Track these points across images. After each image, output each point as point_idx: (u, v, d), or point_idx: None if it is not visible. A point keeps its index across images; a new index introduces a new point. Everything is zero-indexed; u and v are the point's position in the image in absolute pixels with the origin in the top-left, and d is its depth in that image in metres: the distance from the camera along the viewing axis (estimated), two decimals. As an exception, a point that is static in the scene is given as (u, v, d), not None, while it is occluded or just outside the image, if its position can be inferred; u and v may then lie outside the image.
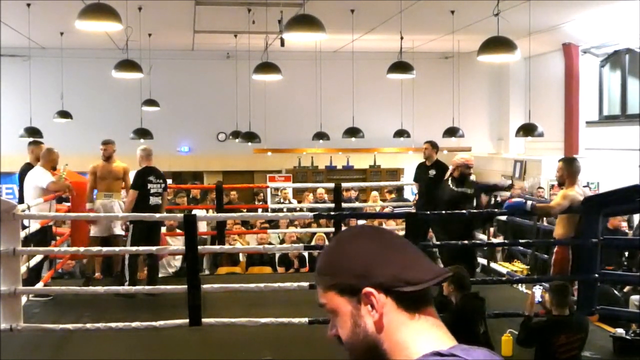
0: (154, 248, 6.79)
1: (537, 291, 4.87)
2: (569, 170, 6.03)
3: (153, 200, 7.48)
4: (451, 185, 7.54)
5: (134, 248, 6.44)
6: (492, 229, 9.45)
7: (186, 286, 5.55)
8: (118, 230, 7.73)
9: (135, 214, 7.14)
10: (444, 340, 1.19)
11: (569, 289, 4.79)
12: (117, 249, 7.11)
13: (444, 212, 7.58)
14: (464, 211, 7.15)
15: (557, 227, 6.27)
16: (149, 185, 7.47)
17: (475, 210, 7.21)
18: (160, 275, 8.46)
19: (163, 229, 8.91)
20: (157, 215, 6.68)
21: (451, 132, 13.88)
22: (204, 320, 5.54)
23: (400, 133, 14.56)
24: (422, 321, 1.20)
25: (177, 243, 8.47)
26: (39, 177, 7.21)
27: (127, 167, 8.05)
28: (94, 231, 7.66)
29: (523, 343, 4.74)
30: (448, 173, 7.92)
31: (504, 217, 8.66)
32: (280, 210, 11.66)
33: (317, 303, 1.26)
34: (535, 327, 4.67)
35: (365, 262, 1.20)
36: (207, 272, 9.21)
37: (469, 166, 7.70)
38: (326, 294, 1.24)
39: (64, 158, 7.88)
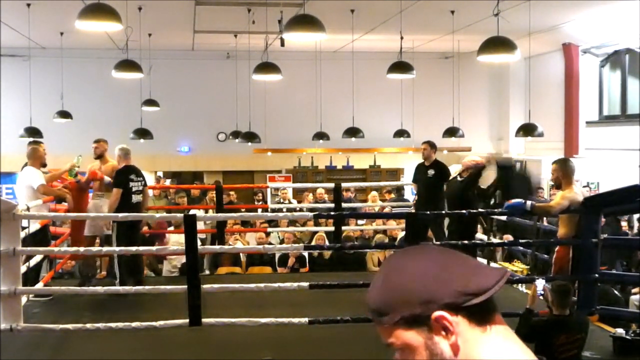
0: (154, 248, 6.81)
1: (539, 284, 4.86)
2: (563, 170, 6.03)
3: (135, 198, 7.52)
4: (460, 184, 7.51)
5: (134, 248, 6.44)
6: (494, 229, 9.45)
7: (186, 286, 5.55)
8: (109, 230, 7.73)
9: (134, 214, 7.14)
10: (520, 353, 1.15)
11: (570, 289, 4.79)
12: (117, 249, 7.11)
13: (443, 212, 7.58)
14: (463, 211, 7.14)
15: (559, 227, 6.28)
16: (131, 184, 7.50)
17: (475, 211, 7.20)
18: (163, 275, 8.50)
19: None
20: (157, 215, 6.71)
21: (451, 132, 13.89)
22: (204, 320, 5.54)
23: (400, 133, 14.57)
24: (494, 333, 1.14)
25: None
26: (29, 178, 7.21)
27: (115, 165, 7.97)
28: (86, 230, 7.68)
29: (523, 338, 4.74)
30: (456, 172, 7.89)
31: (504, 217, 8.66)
32: (280, 210, 11.66)
33: (384, 344, 1.16)
34: (536, 326, 4.67)
35: (427, 287, 1.11)
36: (207, 272, 9.22)
37: (479, 168, 7.69)
38: (392, 332, 1.14)
39: (65, 158, 7.88)
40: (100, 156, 7.92)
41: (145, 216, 7.73)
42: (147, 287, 6.81)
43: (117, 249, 7.08)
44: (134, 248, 6.45)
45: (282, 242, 10.35)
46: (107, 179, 7.64)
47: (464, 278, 1.12)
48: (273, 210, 11.55)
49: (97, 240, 8.11)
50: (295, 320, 5.64)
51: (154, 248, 6.86)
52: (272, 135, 15.59)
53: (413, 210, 8.88)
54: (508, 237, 9.78)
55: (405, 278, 1.14)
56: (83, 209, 7.66)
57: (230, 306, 6.20)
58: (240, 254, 9.55)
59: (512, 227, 9.83)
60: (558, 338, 4.52)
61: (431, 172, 8.28)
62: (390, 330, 1.14)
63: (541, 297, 4.90)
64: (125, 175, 7.51)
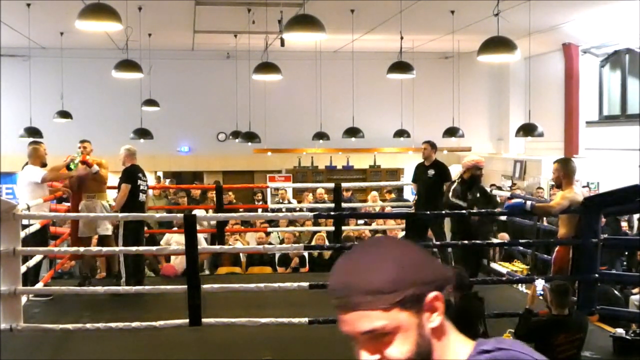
0: (154, 248, 6.81)
1: (539, 284, 4.87)
2: (564, 170, 6.02)
3: (142, 196, 7.65)
4: (451, 196, 7.50)
5: (134, 248, 6.44)
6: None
7: (186, 286, 5.55)
8: (103, 230, 7.73)
9: (135, 214, 7.15)
10: (463, 338, 1.22)
11: (569, 289, 4.79)
12: (116, 249, 7.11)
13: (443, 212, 7.58)
14: (463, 211, 7.15)
15: (559, 227, 6.28)
16: (139, 182, 7.61)
17: (475, 211, 7.20)
18: None
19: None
20: (157, 215, 6.72)
21: (451, 132, 13.89)
22: (204, 320, 5.54)
23: (400, 133, 14.56)
24: (445, 320, 1.21)
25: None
26: (30, 175, 7.23)
27: (100, 161, 7.96)
28: (80, 232, 7.69)
29: (522, 338, 4.74)
30: (457, 175, 7.88)
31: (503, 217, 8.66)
32: (280, 210, 11.66)
33: (360, 331, 1.16)
34: (535, 326, 4.68)
35: (427, 268, 1.17)
36: (207, 272, 9.22)
37: (480, 167, 7.68)
38: (387, 313, 1.14)
39: (64, 158, 7.86)
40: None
41: (146, 216, 7.74)
42: (147, 287, 6.81)
43: (117, 249, 7.08)
44: (134, 248, 6.45)
45: (282, 242, 10.34)
46: (96, 167, 7.66)
47: (441, 264, 1.21)
48: (273, 210, 11.55)
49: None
50: (295, 320, 5.64)
51: (154, 248, 6.86)
52: (272, 135, 15.59)
53: (413, 210, 8.89)
54: (504, 236, 9.74)
55: (405, 259, 1.16)
56: (77, 210, 7.68)
57: (230, 306, 6.19)
58: (240, 254, 9.55)
59: (512, 227, 9.84)
60: (557, 338, 4.52)
61: (431, 172, 8.28)
62: (387, 311, 1.14)
63: (541, 297, 4.90)
64: (133, 174, 7.61)
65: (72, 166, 7.61)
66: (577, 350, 4.65)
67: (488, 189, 8.87)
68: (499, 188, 12.56)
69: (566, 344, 4.55)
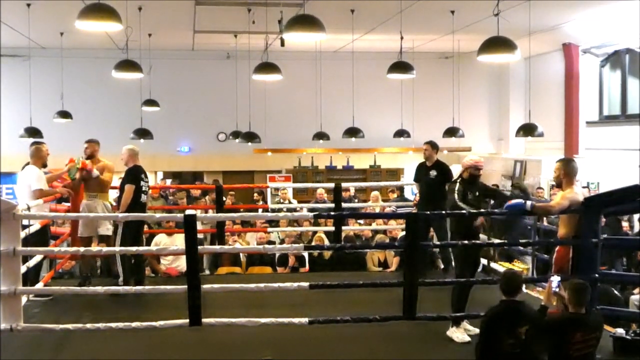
0: (154, 248, 6.81)
1: (555, 281, 4.86)
2: (565, 170, 6.02)
3: (143, 197, 7.63)
4: (457, 198, 7.48)
5: (134, 248, 6.44)
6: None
7: (186, 286, 5.55)
8: (103, 230, 7.72)
9: (135, 214, 7.15)
10: None
11: (588, 287, 4.79)
12: (116, 249, 7.11)
13: (444, 212, 7.57)
14: (463, 211, 7.14)
15: (559, 227, 6.28)
16: (142, 183, 7.59)
17: (475, 211, 7.19)
18: None
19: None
20: (157, 215, 6.71)
21: (451, 132, 13.90)
22: (204, 320, 5.53)
23: (400, 133, 14.58)
24: None
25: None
26: (29, 177, 7.21)
27: (106, 164, 7.93)
28: (80, 232, 7.67)
29: (537, 334, 4.74)
30: (457, 174, 7.87)
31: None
32: (280, 210, 11.65)
33: None
34: (551, 322, 4.67)
35: None
36: (207, 272, 9.22)
37: (479, 168, 7.66)
38: None
39: (64, 158, 7.86)
40: (90, 156, 7.93)
41: (146, 216, 7.74)
42: (147, 287, 6.80)
43: (118, 249, 7.07)
44: (134, 248, 6.45)
45: (282, 241, 10.34)
46: (96, 172, 7.66)
47: None
48: (273, 210, 11.54)
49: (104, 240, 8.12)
50: (295, 320, 5.64)
51: (154, 248, 6.86)
52: (272, 135, 15.60)
53: (414, 210, 8.87)
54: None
55: None
56: (78, 210, 7.66)
57: (230, 306, 6.19)
58: (240, 254, 9.55)
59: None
60: (573, 336, 4.52)
61: (433, 172, 8.25)
62: None
63: (555, 295, 4.89)
64: (137, 174, 7.59)
65: (71, 175, 7.58)
66: (593, 349, 4.65)
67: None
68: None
69: (582, 343, 4.55)
